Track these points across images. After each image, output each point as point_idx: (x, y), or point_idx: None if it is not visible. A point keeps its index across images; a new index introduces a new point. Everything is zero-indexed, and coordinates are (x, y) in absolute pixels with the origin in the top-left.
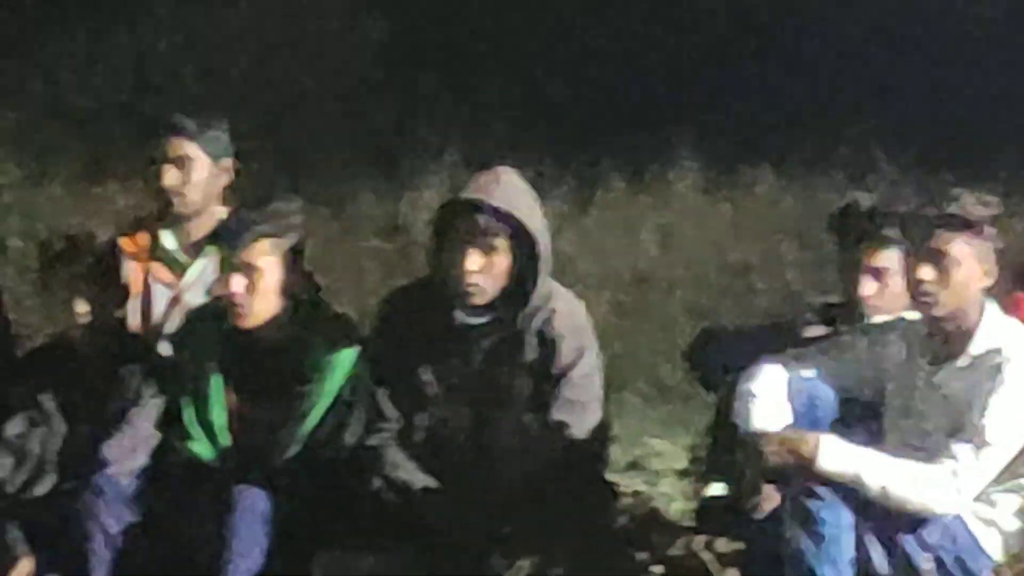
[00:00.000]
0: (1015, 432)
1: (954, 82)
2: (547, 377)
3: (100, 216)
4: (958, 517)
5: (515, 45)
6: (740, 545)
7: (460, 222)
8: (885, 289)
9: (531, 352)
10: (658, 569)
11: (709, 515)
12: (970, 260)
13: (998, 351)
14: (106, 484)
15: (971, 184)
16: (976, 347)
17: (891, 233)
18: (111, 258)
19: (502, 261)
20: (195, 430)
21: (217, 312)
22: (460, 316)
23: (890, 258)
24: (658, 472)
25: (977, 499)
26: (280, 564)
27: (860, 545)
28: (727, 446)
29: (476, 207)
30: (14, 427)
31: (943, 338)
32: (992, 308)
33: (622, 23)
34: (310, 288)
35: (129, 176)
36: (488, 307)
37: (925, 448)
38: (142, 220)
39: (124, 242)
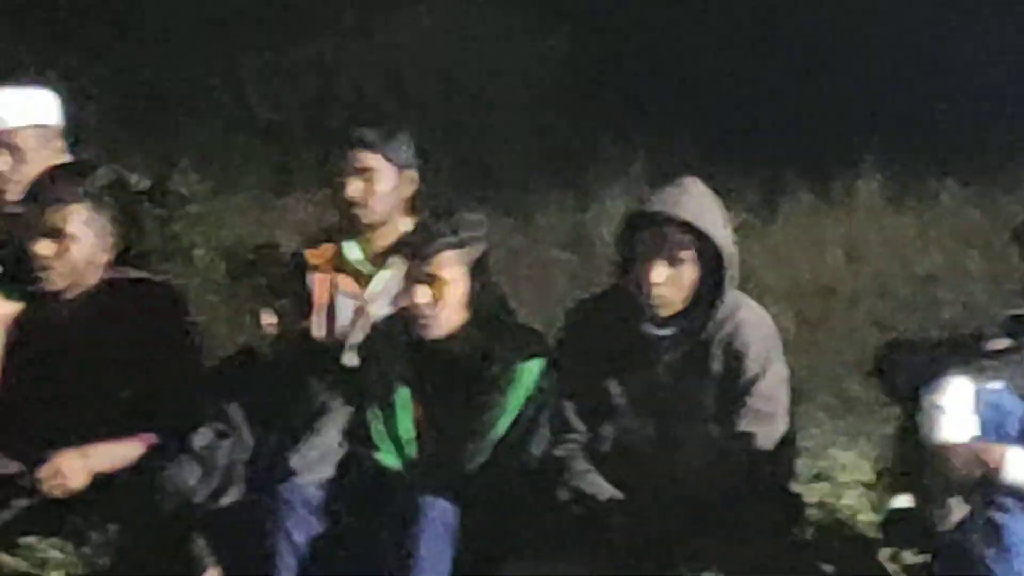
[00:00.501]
0: None
1: None
2: (733, 388)
3: (285, 227)
4: None
5: (698, 57)
6: (926, 557)
7: (647, 234)
8: None
9: (717, 363)
10: None
11: (895, 527)
12: None
13: None
14: (293, 494)
15: None
16: None
17: None
18: (296, 269)
19: (689, 273)
20: (382, 441)
21: (402, 323)
22: (646, 328)
23: None
24: (843, 484)
25: None
26: (465, 575)
27: None
28: (913, 458)
29: (664, 219)
30: (201, 438)
31: None
32: None
33: (806, 38)
34: (495, 299)
35: (314, 187)
36: (674, 319)
37: None
38: (327, 231)
39: (309, 253)
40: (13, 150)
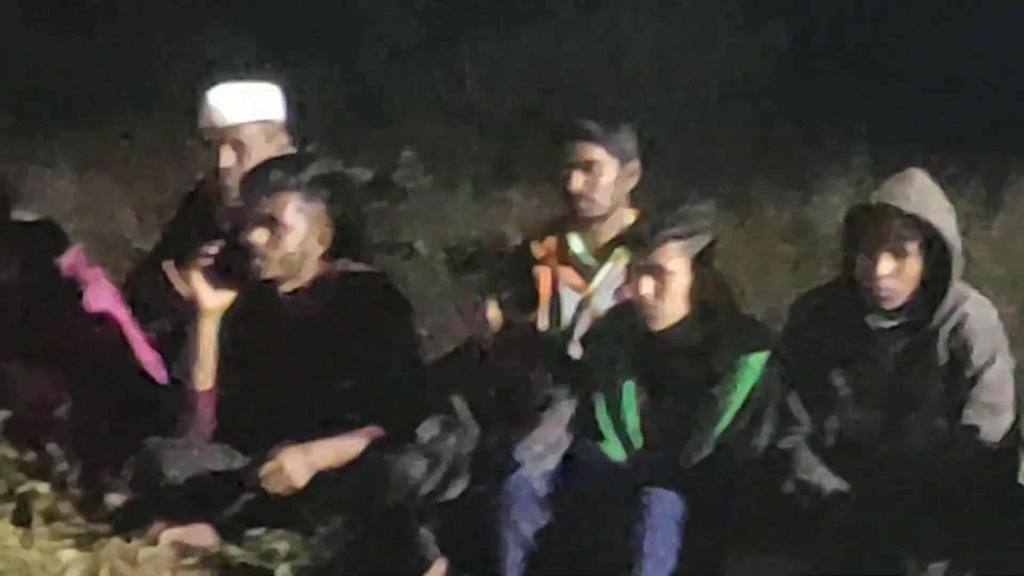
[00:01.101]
0: None
1: None
2: (958, 380)
3: (507, 221)
4: None
5: (920, 48)
6: None
7: (872, 226)
8: None
9: (942, 355)
10: None
11: None
12: None
13: None
14: (519, 487)
15: None
16: None
17: None
18: (521, 262)
19: (914, 265)
20: (607, 432)
21: (626, 315)
22: (871, 320)
23: None
24: None
25: None
26: (690, 568)
27: None
28: None
29: (890, 212)
30: (427, 430)
31: None
32: None
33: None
34: (720, 291)
35: (536, 180)
36: (899, 311)
37: None
38: (551, 224)
39: (533, 246)
40: (237, 145)
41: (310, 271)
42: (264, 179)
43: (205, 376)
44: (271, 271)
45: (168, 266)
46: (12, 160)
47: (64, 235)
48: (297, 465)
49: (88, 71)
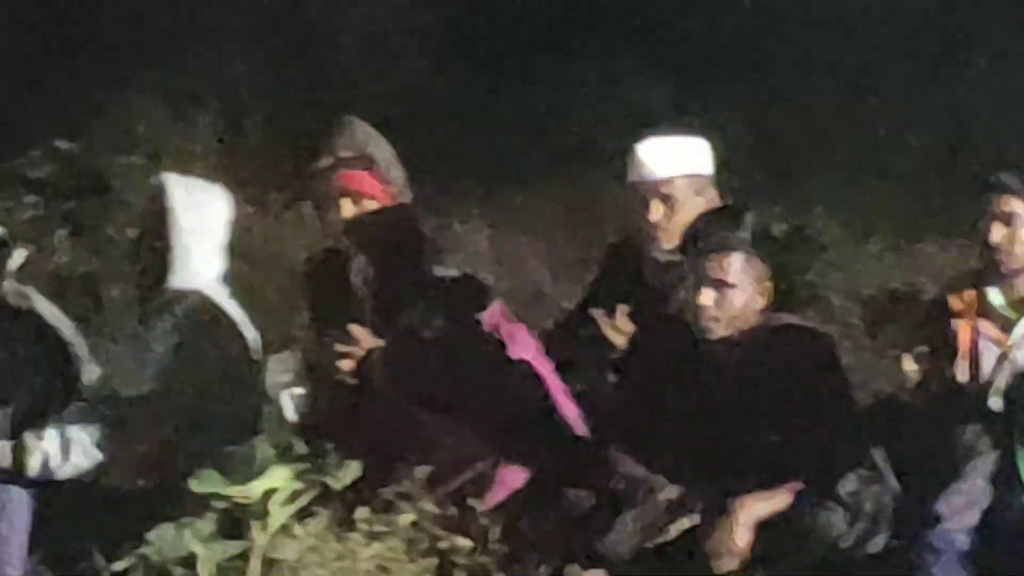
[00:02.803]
0: None
1: None
2: None
3: (922, 273)
4: None
5: None
6: None
7: None
8: None
9: None
10: None
11: None
12: None
13: None
14: (941, 541)
15: None
16: None
17: None
18: (938, 315)
19: None
20: None
21: None
22: None
23: None
24: None
25: None
26: None
27: None
28: None
29: None
30: (848, 484)
31: None
32: None
33: None
34: None
35: (951, 233)
36: None
37: None
38: (968, 276)
39: (952, 299)
40: (666, 199)
41: (746, 325)
42: (706, 237)
43: None
44: (720, 332)
45: (598, 313)
46: (432, 217)
47: (486, 290)
48: (748, 522)
49: (502, 126)
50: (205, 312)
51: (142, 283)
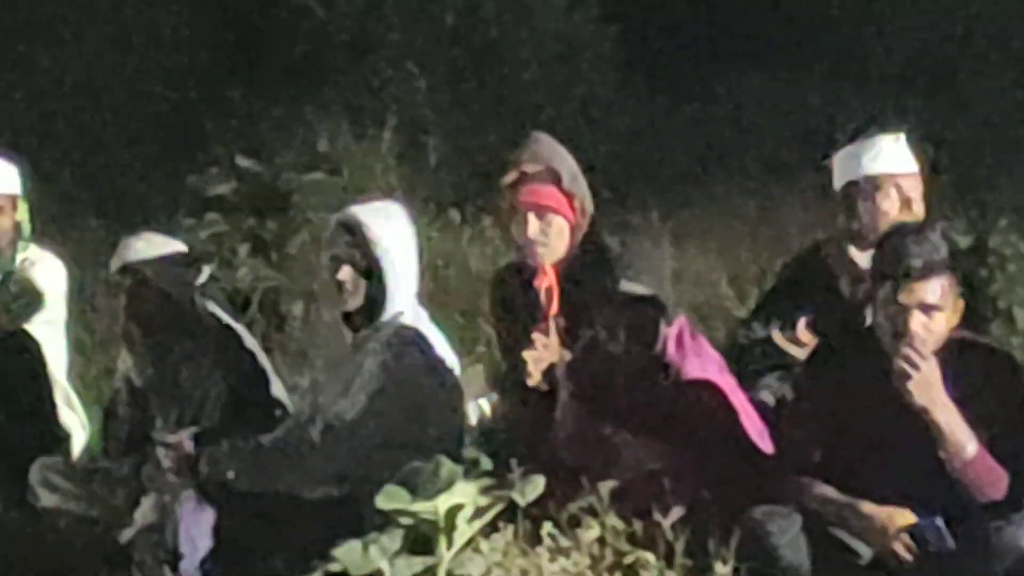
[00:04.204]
0: None
1: None
2: None
3: None
4: None
5: None
6: None
7: None
8: None
9: None
10: None
11: None
12: None
13: None
14: None
15: None
16: None
17: None
18: None
19: None
20: None
21: None
22: None
23: None
24: None
25: None
26: None
27: None
28: None
29: None
30: None
31: None
32: None
33: None
34: None
35: None
36: None
37: None
38: None
39: None
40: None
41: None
42: (908, 256)
43: None
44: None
45: (776, 335)
46: (615, 232)
47: (668, 304)
48: None
49: (684, 140)
50: (406, 335)
51: (356, 314)
